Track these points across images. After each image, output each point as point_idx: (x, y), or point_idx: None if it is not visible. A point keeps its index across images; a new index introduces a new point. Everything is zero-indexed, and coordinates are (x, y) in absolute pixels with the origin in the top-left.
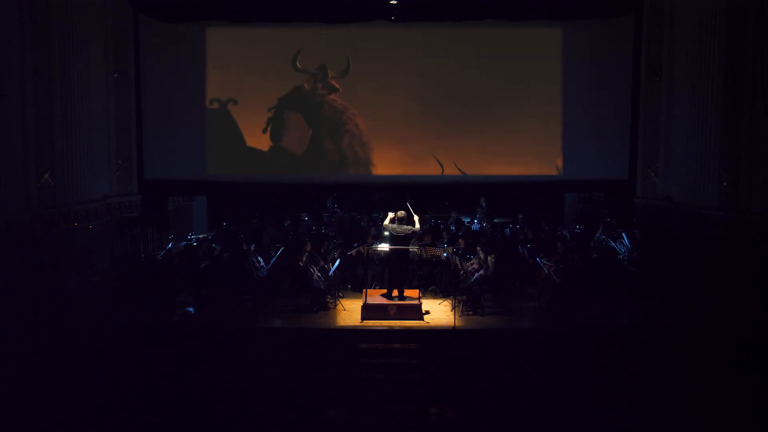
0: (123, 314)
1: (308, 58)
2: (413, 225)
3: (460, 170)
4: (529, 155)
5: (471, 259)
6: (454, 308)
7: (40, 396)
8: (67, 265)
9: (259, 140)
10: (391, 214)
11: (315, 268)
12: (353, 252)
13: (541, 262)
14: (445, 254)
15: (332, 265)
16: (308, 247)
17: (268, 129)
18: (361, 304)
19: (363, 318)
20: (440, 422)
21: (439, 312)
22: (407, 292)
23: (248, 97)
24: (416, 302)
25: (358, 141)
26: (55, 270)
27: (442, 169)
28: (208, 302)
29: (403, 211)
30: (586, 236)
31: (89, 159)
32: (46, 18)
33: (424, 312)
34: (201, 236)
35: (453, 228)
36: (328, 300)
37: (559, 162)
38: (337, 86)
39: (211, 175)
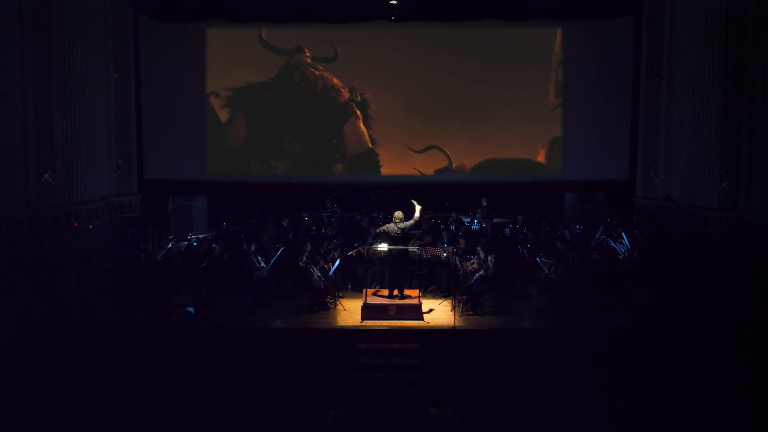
0: (123, 314)
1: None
2: (411, 219)
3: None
4: (529, 155)
5: (471, 259)
6: (454, 308)
7: (40, 396)
8: (67, 265)
9: (258, 140)
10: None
11: (315, 268)
12: (353, 252)
13: (541, 262)
14: (445, 254)
15: (332, 265)
16: (308, 247)
17: (265, 127)
18: (361, 304)
19: (363, 318)
20: (440, 422)
21: (439, 312)
22: (407, 292)
23: (248, 96)
24: (416, 302)
25: (357, 140)
26: (55, 270)
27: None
28: (208, 302)
29: (399, 212)
30: (586, 236)
31: (89, 159)
32: (46, 18)
33: (427, 310)
34: (201, 236)
35: (453, 228)
36: (328, 300)
37: (559, 162)
38: (321, 68)
39: (211, 175)
